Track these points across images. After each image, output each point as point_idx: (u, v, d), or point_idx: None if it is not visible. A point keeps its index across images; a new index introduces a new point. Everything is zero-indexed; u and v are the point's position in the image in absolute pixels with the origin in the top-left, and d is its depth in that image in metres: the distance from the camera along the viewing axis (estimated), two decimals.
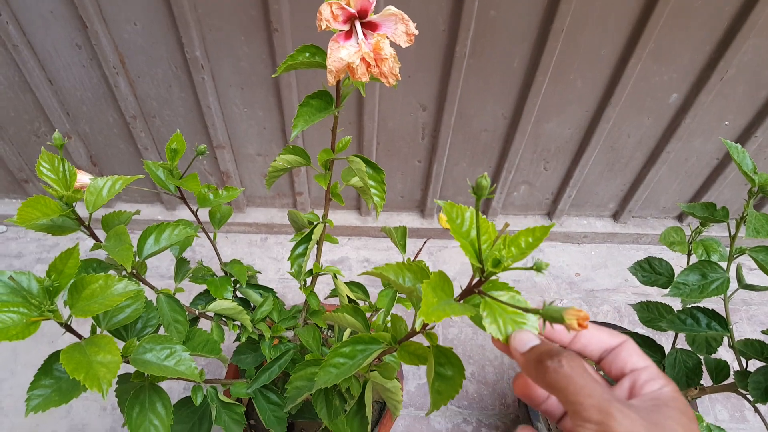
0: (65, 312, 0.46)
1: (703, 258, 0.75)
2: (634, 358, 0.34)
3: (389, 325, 0.68)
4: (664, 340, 1.26)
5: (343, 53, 0.43)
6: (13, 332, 0.42)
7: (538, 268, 0.34)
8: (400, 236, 0.75)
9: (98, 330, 0.50)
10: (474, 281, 0.39)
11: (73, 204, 0.50)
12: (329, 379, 0.48)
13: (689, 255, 0.79)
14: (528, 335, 0.34)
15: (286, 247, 1.46)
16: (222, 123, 1.18)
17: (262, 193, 1.41)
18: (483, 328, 0.41)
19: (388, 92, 1.12)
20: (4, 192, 1.45)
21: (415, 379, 1.20)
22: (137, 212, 0.59)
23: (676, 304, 0.80)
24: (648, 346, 0.81)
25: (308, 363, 0.62)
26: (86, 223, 0.52)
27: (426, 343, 0.47)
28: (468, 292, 0.39)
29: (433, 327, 0.46)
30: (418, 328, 0.41)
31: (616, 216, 1.50)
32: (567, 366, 0.30)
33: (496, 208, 1.44)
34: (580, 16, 0.98)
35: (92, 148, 1.28)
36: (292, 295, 1.35)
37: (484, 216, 0.42)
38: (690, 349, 0.78)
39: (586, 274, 1.44)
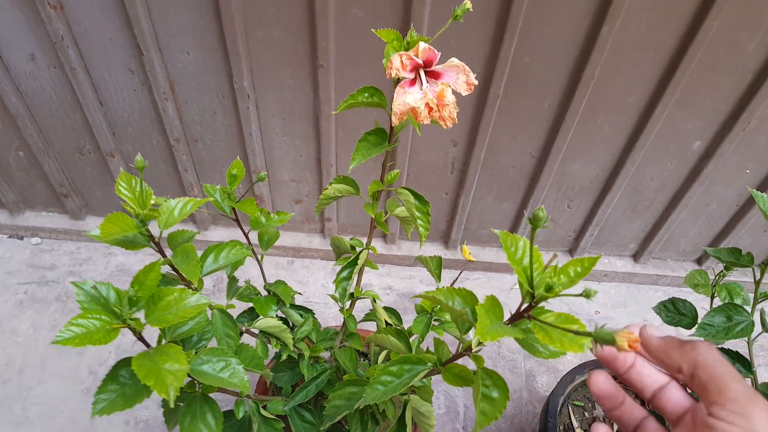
0: None
1: (726, 301, 0.77)
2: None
3: (424, 349, 0.71)
4: None
5: (409, 98, 0.48)
6: (96, 337, 0.45)
7: (587, 295, 0.37)
8: (436, 265, 0.78)
9: (163, 341, 0.53)
10: (523, 306, 0.42)
11: (147, 222, 0.55)
12: (377, 395, 0.51)
13: (712, 297, 0.82)
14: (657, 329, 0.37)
15: (310, 270, 1.50)
16: (261, 149, 1.24)
17: (290, 218, 1.46)
18: (529, 350, 0.45)
19: (423, 127, 1.17)
20: (42, 205, 1.50)
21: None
22: (199, 232, 0.63)
23: None
24: None
25: (347, 383, 0.65)
26: (156, 239, 0.56)
27: (471, 366, 0.50)
28: (517, 317, 0.42)
29: (479, 350, 0.49)
30: (473, 345, 0.44)
31: (636, 256, 1.52)
32: (714, 350, 0.33)
33: None
34: (610, 65, 1.03)
35: (133, 167, 1.34)
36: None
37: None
38: None
39: (606, 313, 1.46)
